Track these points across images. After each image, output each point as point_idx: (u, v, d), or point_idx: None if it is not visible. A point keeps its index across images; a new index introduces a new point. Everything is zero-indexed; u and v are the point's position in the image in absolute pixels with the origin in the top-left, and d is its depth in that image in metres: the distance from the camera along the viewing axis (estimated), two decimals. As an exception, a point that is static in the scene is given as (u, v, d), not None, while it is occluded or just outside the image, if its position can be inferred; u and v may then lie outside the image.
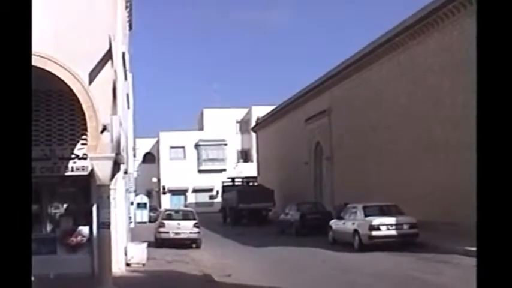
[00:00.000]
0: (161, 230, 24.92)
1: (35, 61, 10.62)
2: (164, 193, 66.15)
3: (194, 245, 24.62)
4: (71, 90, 12.11)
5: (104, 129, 11.88)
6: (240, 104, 70.61)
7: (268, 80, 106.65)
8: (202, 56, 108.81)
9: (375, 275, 15.04)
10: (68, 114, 14.51)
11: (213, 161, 67.44)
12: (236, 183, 47.19)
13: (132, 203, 36.83)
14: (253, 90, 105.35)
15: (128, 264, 16.57)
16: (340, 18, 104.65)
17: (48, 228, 14.83)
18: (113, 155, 12.05)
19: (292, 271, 16.63)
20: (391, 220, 20.66)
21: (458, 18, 22.44)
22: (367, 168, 30.46)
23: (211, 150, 67.71)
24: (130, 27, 24.77)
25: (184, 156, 67.75)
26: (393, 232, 20.41)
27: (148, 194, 59.74)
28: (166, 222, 25.25)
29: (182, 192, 66.46)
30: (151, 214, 46.42)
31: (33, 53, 8.80)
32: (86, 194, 14.56)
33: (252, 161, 64.32)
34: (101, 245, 12.16)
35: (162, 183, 66.49)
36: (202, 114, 71.54)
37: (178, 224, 25.06)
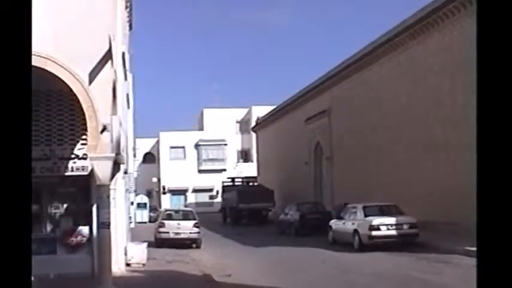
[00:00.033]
0: (161, 230, 24.91)
1: (35, 61, 10.62)
2: (164, 193, 66.14)
3: (194, 245, 24.60)
4: (71, 90, 12.10)
5: (104, 129, 11.87)
6: (240, 104, 70.81)
7: (268, 80, 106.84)
8: (202, 56, 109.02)
9: (375, 275, 15.04)
10: (68, 114, 14.50)
11: (213, 161, 67.45)
12: (236, 183, 47.18)
13: (132, 203, 36.80)
14: (253, 90, 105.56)
15: (127, 264, 16.56)
16: (340, 18, 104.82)
17: (48, 228, 14.82)
18: (113, 155, 12.04)
19: (292, 271, 16.62)
20: (391, 220, 20.66)
21: (458, 18, 22.44)
22: (367, 168, 30.45)
23: (211, 150, 67.70)
24: (131, 27, 24.77)
25: (184, 156, 67.76)
26: (393, 232, 20.41)
27: (148, 194, 59.73)
28: (166, 222, 25.24)
29: (182, 192, 66.46)
30: (151, 214, 46.39)
31: (33, 53, 8.80)
32: (86, 194, 14.55)
33: (252, 161, 64.32)
34: (101, 245, 12.16)
35: (162, 183, 66.48)
36: (202, 114, 71.54)
37: (178, 224, 25.04)
